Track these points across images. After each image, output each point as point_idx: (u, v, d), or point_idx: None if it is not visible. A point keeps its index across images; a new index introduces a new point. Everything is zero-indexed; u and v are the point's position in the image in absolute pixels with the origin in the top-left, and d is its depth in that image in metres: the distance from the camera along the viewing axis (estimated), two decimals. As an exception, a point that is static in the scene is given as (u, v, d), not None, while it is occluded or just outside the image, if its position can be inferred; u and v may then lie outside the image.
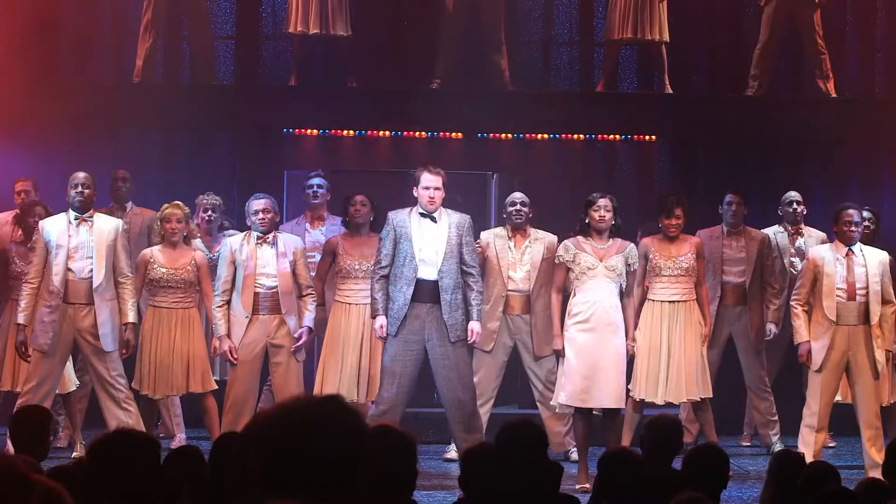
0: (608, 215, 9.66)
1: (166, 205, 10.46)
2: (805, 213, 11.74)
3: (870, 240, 10.79)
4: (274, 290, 9.81)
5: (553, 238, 10.68)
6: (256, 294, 9.80)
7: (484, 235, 10.89)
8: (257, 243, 9.84)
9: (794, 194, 11.77)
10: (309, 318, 9.94)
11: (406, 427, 4.84)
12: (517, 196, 10.92)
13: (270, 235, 9.90)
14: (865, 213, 10.88)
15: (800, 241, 11.61)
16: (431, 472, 10.29)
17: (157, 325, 10.26)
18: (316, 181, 11.51)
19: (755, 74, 13.29)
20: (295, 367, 9.89)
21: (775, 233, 11.66)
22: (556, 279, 9.80)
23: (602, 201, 9.70)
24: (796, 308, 10.06)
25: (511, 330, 10.80)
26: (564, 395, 9.56)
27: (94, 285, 9.91)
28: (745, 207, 11.36)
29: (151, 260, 10.29)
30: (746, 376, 11.24)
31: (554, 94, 13.95)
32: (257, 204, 9.94)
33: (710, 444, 6.29)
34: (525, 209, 10.81)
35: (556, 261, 9.82)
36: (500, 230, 10.92)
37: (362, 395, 10.42)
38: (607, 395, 9.48)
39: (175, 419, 11.12)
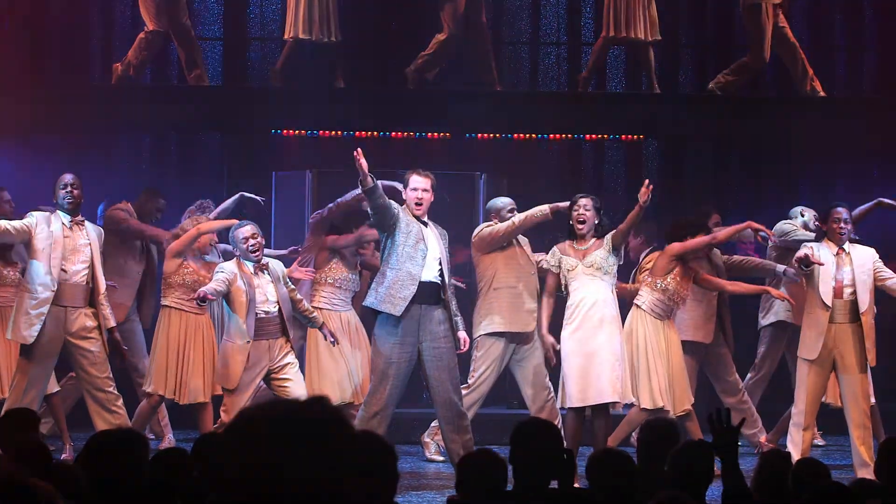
0: (588, 214, 9.72)
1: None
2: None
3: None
4: (276, 315, 9.74)
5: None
6: (261, 319, 9.67)
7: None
8: (254, 273, 9.70)
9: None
10: (320, 317, 10.09)
11: (388, 433, 4.85)
12: (507, 200, 10.89)
13: (265, 263, 9.79)
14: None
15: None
16: (420, 471, 10.30)
17: (185, 330, 10.44)
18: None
19: (733, 81, 13.26)
20: (301, 381, 9.85)
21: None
22: (546, 284, 9.86)
23: (583, 200, 9.80)
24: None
25: None
26: (565, 398, 9.59)
27: (98, 292, 9.91)
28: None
29: (185, 260, 10.50)
30: (721, 388, 11.17)
31: (541, 93, 13.96)
32: (245, 231, 9.73)
33: (697, 441, 6.29)
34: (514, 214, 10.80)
35: (545, 265, 9.89)
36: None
37: (359, 396, 10.40)
38: (601, 392, 9.50)
39: (163, 420, 11.15)
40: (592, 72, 13.46)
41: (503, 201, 10.80)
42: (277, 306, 9.71)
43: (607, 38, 13.12)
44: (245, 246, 9.65)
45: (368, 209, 9.39)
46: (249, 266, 9.67)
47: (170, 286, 10.59)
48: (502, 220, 10.62)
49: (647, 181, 9.79)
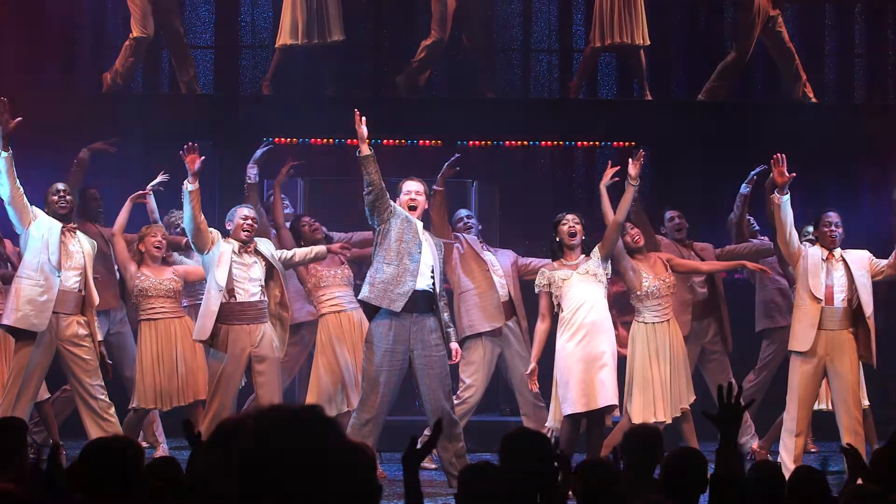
0: (577, 227, 9.79)
1: (145, 226, 10.86)
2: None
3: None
4: (258, 300, 9.77)
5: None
6: (241, 303, 9.74)
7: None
8: (240, 252, 9.78)
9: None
10: (322, 248, 10.32)
11: (380, 441, 4.85)
12: (462, 212, 11.27)
13: (251, 244, 9.86)
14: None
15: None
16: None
17: (158, 338, 10.44)
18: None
19: (720, 85, 13.27)
20: (278, 378, 9.87)
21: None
22: (540, 306, 9.87)
23: (570, 215, 9.88)
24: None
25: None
26: (566, 405, 9.57)
27: (88, 299, 9.93)
28: (686, 220, 11.43)
29: (141, 273, 10.55)
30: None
31: (533, 100, 13.95)
32: (243, 210, 9.92)
33: (689, 448, 6.29)
34: (472, 221, 11.16)
35: (536, 289, 9.91)
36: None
37: (353, 401, 10.40)
38: (603, 395, 9.52)
39: (157, 430, 11.16)
40: (582, 80, 13.47)
41: (458, 213, 11.17)
42: (260, 288, 9.74)
43: (595, 48, 13.11)
44: (241, 223, 9.80)
45: (364, 192, 9.29)
46: (236, 245, 9.77)
47: (137, 301, 10.65)
48: (459, 230, 10.97)
49: (640, 152, 9.88)
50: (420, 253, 9.28)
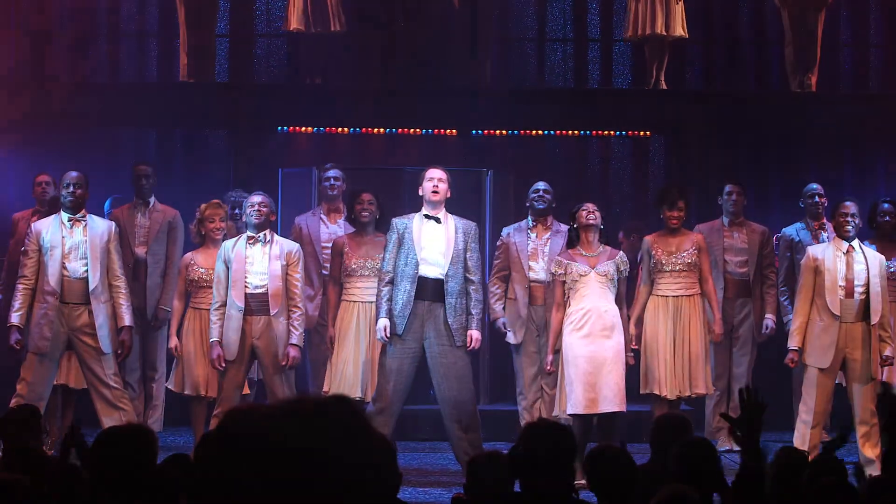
0: (595, 212, 9.73)
1: (205, 204, 10.65)
2: (827, 205, 11.28)
3: (890, 231, 10.79)
4: (262, 291, 9.74)
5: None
6: (245, 294, 9.75)
7: (505, 230, 11.06)
8: (249, 242, 9.77)
9: (815, 186, 11.51)
10: (295, 336, 9.83)
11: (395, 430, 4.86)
12: (540, 184, 10.95)
13: (263, 234, 9.81)
14: (886, 206, 10.88)
15: (824, 237, 11.22)
16: (427, 468, 10.30)
17: (199, 327, 10.41)
18: (333, 173, 11.47)
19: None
20: (280, 371, 9.78)
21: (797, 230, 11.42)
22: (555, 295, 9.83)
23: (588, 205, 9.81)
24: (799, 310, 9.98)
25: (535, 320, 10.84)
26: (570, 404, 9.55)
27: (91, 287, 9.92)
28: (744, 198, 11.35)
29: (192, 262, 10.54)
30: (738, 370, 11.23)
31: (548, 90, 13.93)
32: (254, 198, 9.89)
33: (699, 438, 6.26)
34: (548, 196, 10.87)
35: (551, 277, 9.89)
36: (521, 222, 10.98)
37: (368, 393, 10.40)
38: (609, 400, 9.47)
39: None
40: (659, 71, 13.23)
41: (536, 185, 10.95)
42: (265, 280, 9.74)
43: (636, 37, 13.00)
44: (250, 210, 9.80)
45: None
46: (242, 241, 9.77)
47: (190, 290, 10.64)
48: (532, 201, 10.84)
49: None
50: (416, 273, 9.41)
